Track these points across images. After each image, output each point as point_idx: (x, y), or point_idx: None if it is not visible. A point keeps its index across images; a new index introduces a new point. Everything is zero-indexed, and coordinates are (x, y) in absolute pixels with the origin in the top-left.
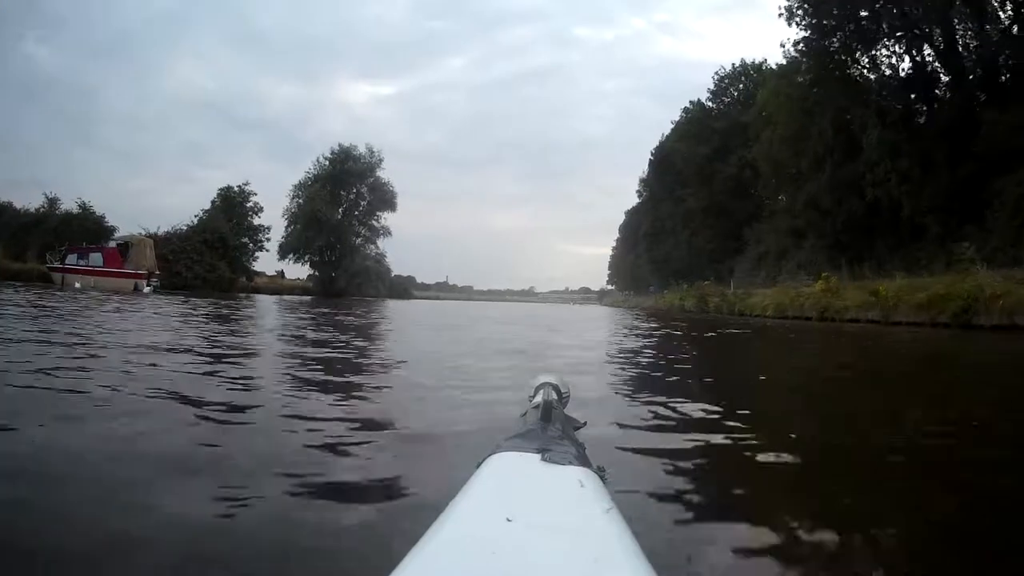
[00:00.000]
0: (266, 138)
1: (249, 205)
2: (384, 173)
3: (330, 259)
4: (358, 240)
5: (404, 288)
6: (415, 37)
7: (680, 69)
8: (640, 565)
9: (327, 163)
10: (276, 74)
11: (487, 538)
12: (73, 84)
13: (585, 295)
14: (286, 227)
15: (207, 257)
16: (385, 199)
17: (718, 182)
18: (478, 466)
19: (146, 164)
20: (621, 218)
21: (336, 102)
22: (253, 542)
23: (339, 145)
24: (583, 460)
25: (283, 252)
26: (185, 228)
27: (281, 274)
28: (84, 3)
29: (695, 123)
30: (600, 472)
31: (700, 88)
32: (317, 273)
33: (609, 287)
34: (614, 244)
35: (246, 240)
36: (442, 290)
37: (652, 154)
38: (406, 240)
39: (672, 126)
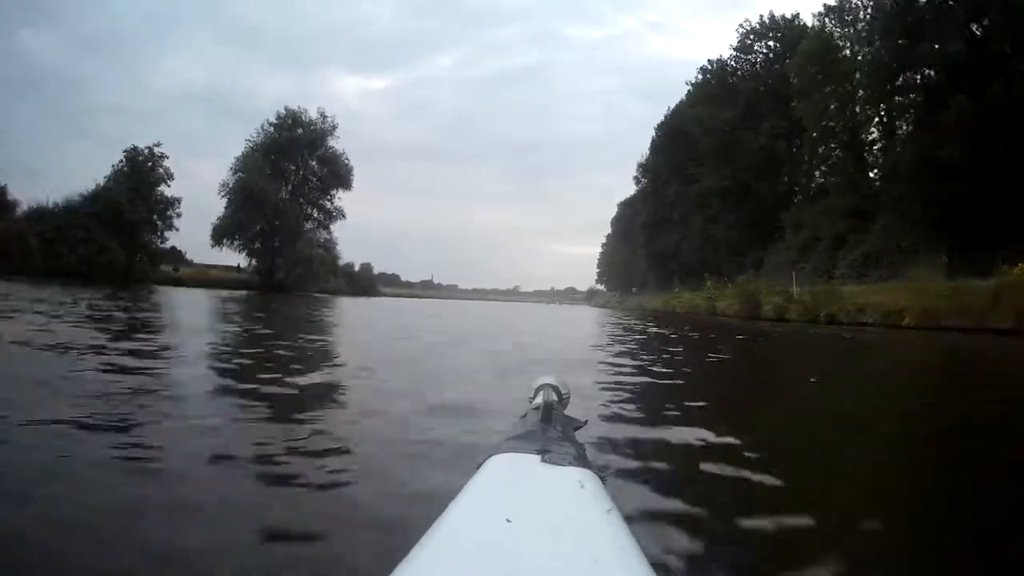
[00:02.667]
0: (257, 129)
1: (160, 172)
2: (338, 143)
3: (271, 246)
4: (309, 224)
5: (369, 284)
6: (404, 35)
7: (670, 69)
8: (640, 566)
9: (271, 129)
10: (266, 68)
11: (487, 539)
12: (67, 76)
13: (571, 295)
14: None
15: (97, 236)
16: (338, 174)
17: (743, 156)
18: (478, 467)
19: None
20: (607, 219)
21: (326, 96)
22: None
23: (285, 108)
24: (583, 461)
25: (216, 237)
26: (78, 199)
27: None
28: None
29: (717, 84)
30: (600, 473)
31: None
32: (255, 263)
33: (598, 287)
34: (604, 240)
35: (153, 216)
36: (427, 288)
37: (656, 131)
38: (391, 236)
39: (660, 124)
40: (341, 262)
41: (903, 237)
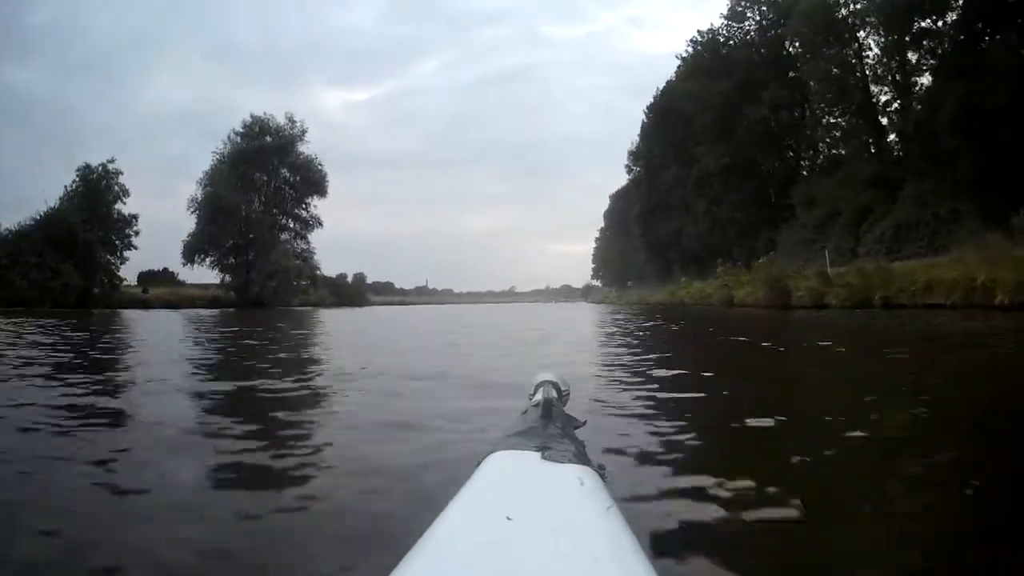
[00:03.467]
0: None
1: (115, 189)
2: (308, 148)
3: (245, 260)
4: (286, 235)
5: (356, 293)
6: (387, 43)
7: (655, 63)
8: (640, 564)
9: (238, 139)
10: (250, 85)
11: (487, 537)
12: (53, 105)
13: (567, 293)
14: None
15: (50, 260)
16: (312, 181)
17: (743, 131)
18: (478, 464)
19: (130, 180)
20: (600, 215)
21: (309, 110)
22: None
23: (251, 116)
24: (583, 458)
25: (188, 254)
26: (31, 223)
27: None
28: (61, 24)
29: (709, 56)
30: (600, 470)
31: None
32: (229, 278)
33: (594, 282)
34: (597, 235)
35: (111, 236)
36: (421, 294)
37: (646, 113)
38: (384, 245)
39: (650, 106)
40: (326, 272)
41: (940, 203)
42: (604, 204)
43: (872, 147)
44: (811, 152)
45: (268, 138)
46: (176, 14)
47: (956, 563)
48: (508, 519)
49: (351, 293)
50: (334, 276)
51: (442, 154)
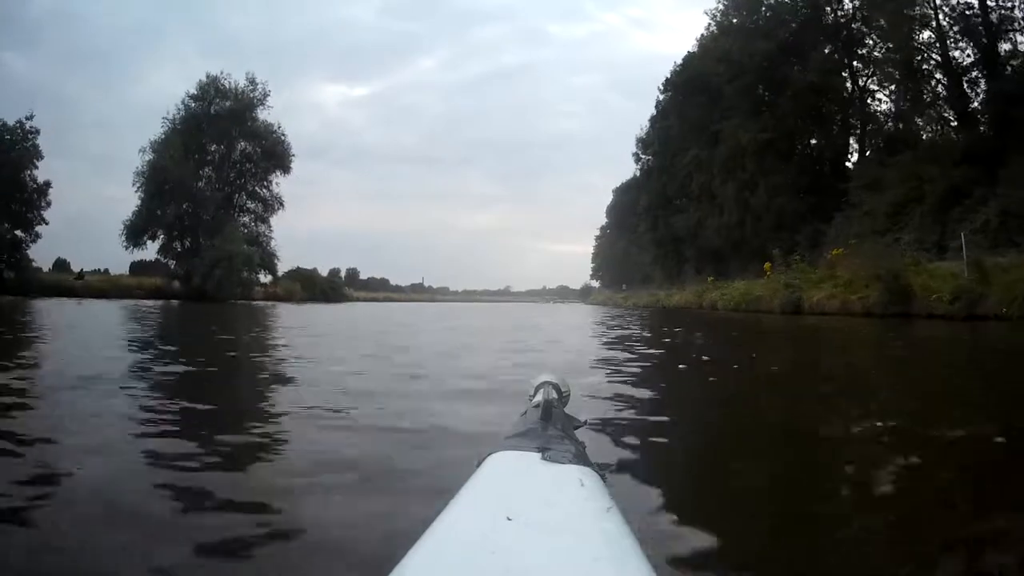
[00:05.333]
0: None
1: (28, 149)
2: (269, 114)
3: (193, 244)
4: (247, 218)
5: (332, 287)
6: (386, 39)
7: (655, 64)
8: (640, 565)
9: (192, 104)
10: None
11: (487, 537)
12: (52, 96)
13: (563, 293)
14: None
15: None
16: (274, 153)
17: (785, 100)
18: (478, 465)
19: (122, 171)
20: (596, 217)
21: (308, 104)
22: None
23: (207, 75)
24: (583, 459)
25: (131, 236)
26: None
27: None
28: (59, 14)
29: (747, 11)
30: (600, 471)
31: None
32: (174, 265)
33: (594, 283)
34: (597, 233)
35: (20, 208)
36: (417, 291)
37: (662, 90)
38: (379, 241)
39: (666, 82)
40: (322, 268)
41: None
42: (601, 206)
43: (953, 118)
44: (868, 126)
45: (227, 102)
46: (176, 5)
47: None
48: (508, 519)
49: (325, 287)
50: (309, 269)
51: (439, 151)
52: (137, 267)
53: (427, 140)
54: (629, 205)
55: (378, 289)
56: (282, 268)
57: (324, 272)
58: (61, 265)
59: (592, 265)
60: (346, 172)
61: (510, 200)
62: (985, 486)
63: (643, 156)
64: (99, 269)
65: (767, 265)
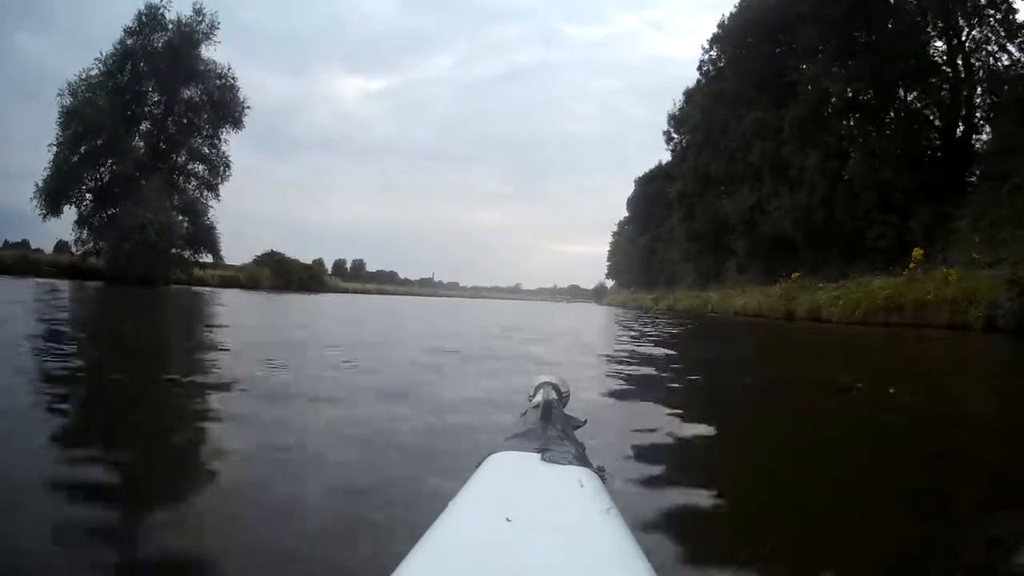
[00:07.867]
0: (252, 130)
1: None
2: (216, 52)
3: (122, 213)
4: (194, 183)
5: (311, 276)
6: (404, 34)
7: (671, 67)
8: (640, 565)
9: (129, 40)
10: (263, 68)
11: (487, 538)
12: (65, 79)
13: (575, 293)
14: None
15: None
16: (221, 103)
17: (884, 43)
18: (477, 466)
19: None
20: (606, 220)
21: (323, 96)
22: None
23: (146, 5)
24: (583, 460)
25: (49, 201)
26: None
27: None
28: None
29: None
30: (600, 472)
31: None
32: (94, 239)
33: (608, 282)
34: (615, 229)
35: None
36: (426, 286)
37: (712, 44)
38: (390, 235)
39: (716, 34)
40: (328, 258)
41: None
42: (611, 208)
43: None
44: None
45: (167, 35)
46: None
47: None
48: (508, 520)
49: (302, 275)
50: (280, 253)
51: (452, 148)
52: (64, 243)
53: (441, 136)
54: (654, 196)
55: (385, 282)
56: (258, 251)
57: (328, 264)
58: None
59: (608, 263)
60: (357, 165)
61: (522, 199)
62: None
63: (675, 135)
64: (22, 241)
65: (916, 252)
